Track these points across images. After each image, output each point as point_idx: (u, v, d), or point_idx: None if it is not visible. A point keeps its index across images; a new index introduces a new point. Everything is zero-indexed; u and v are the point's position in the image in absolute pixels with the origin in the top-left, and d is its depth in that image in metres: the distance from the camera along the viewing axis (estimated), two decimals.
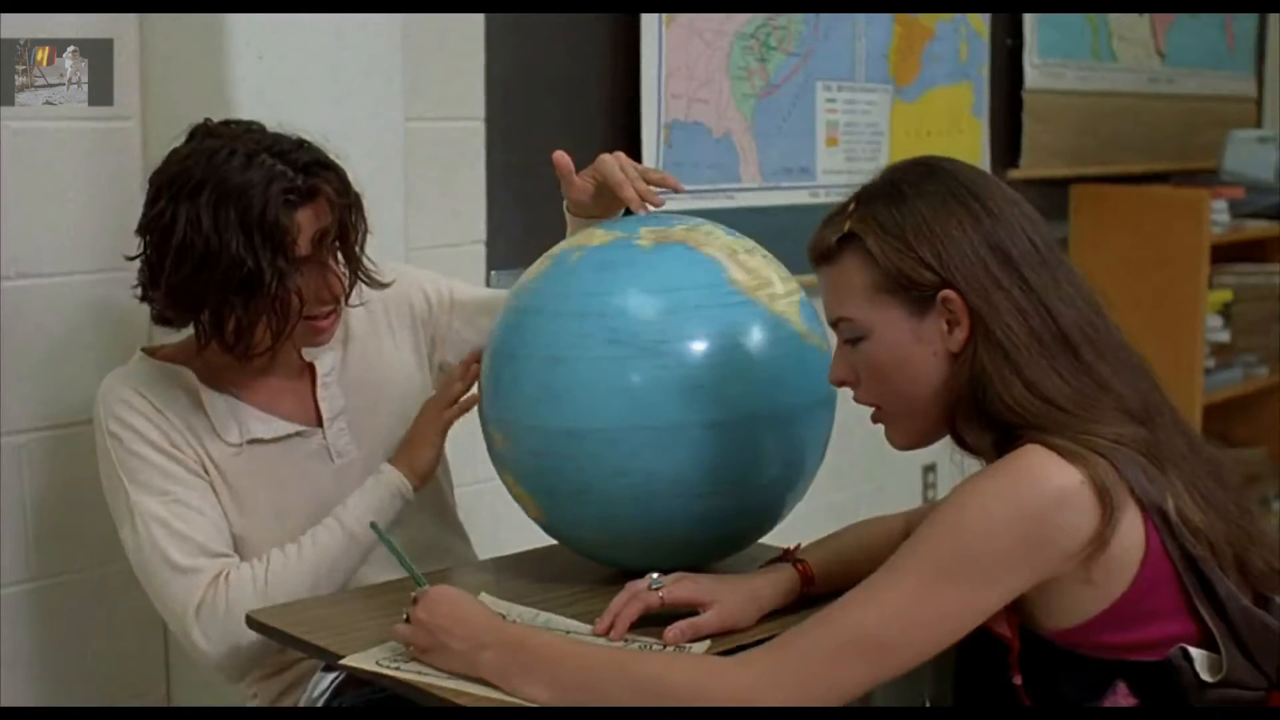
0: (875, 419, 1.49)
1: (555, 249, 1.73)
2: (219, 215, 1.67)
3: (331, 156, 1.76)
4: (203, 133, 1.75)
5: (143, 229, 1.75)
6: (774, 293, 1.68)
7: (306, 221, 1.72)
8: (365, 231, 1.80)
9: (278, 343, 1.75)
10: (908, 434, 1.48)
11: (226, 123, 1.77)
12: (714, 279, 1.64)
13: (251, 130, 1.75)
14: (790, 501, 1.73)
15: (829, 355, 1.70)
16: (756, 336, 1.63)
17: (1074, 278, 1.42)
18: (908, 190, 1.42)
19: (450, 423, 1.86)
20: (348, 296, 1.82)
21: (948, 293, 1.38)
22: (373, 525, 1.66)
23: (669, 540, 1.64)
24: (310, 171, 1.72)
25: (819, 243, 1.47)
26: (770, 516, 1.72)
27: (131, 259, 1.78)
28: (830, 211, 1.48)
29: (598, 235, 1.69)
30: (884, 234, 1.41)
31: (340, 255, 1.78)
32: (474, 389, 1.80)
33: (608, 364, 1.59)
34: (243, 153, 1.70)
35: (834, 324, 1.48)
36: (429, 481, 1.87)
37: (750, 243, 1.74)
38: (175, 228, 1.69)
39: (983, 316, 1.37)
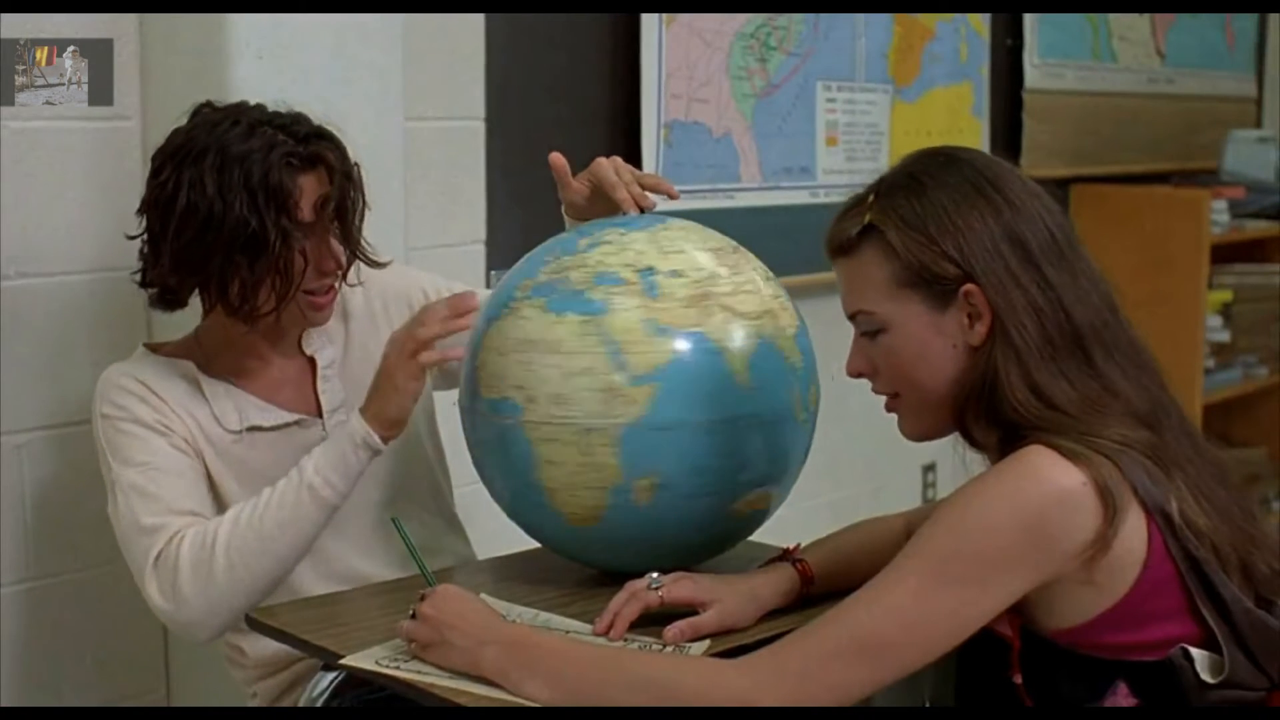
0: (889, 408, 1.49)
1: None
2: (222, 178, 1.70)
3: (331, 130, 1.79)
4: (205, 109, 1.79)
5: (145, 204, 1.77)
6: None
7: (309, 186, 1.74)
8: (364, 206, 1.81)
9: (282, 304, 1.76)
10: (920, 425, 1.47)
11: (227, 105, 1.80)
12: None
13: (252, 107, 1.78)
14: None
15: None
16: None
17: (1091, 272, 1.41)
18: (928, 181, 1.41)
19: (426, 367, 1.74)
20: (345, 273, 1.82)
21: (970, 286, 1.38)
22: (394, 520, 1.63)
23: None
24: (310, 140, 1.75)
25: (837, 234, 1.45)
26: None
27: (133, 237, 1.79)
28: (847, 203, 1.47)
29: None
30: (905, 226, 1.40)
31: (339, 229, 1.79)
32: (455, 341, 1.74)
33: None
34: (245, 123, 1.74)
35: (851, 317, 1.47)
36: (402, 430, 1.77)
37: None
38: (179, 195, 1.71)
39: (1000, 314, 1.37)
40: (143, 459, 1.75)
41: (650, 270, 1.62)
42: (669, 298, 1.61)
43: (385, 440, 1.75)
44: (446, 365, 1.85)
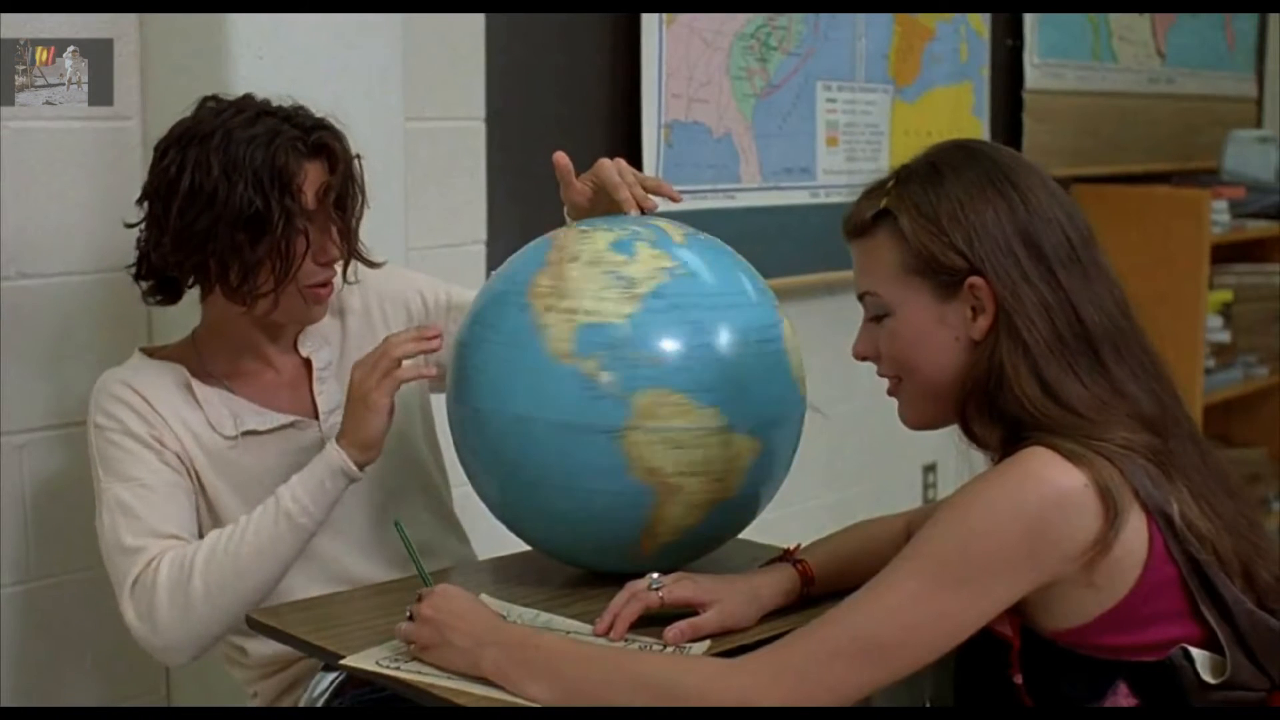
0: (891, 392, 1.49)
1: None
2: (227, 158, 1.71)
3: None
4: (209, 101, 1.80)
5: (148, 190, 1.77)
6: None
7: (313, 173, 1.76)
8: (363, 204, 1.82)
9: (280, 286, 1.76)
10: (919, 413, 1.47)
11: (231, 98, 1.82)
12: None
13: (257, 100, 1.80)
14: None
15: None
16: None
17: (1106, 277, 1.41)
18: (946, 172, 1.41)
19: (399, 385, 1.74)
20: (345, 268, 1.83)
21: (975, 280, 1.38)
22: (396, 524, 1.63)
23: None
24: (314, 130, 1.77)
25: (854, 216, 1.46)
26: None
27: (133, 225, 1.80)
28: (869, 185, 1.48)
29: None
30: (918, 215, 1.40)
31: (338, 222, 1.79)
32: (426, 357, 1.78)
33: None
34: (250, 112, 1.75)
35: (860, 297, 1.48)
36: (378, 454, 1.76)
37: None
38: (183, 176, 1.72)
39: (1007, 309, 1.37)
40: (133, 474, 1.75)
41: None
42: None
43: (361, 466, 1.74)
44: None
